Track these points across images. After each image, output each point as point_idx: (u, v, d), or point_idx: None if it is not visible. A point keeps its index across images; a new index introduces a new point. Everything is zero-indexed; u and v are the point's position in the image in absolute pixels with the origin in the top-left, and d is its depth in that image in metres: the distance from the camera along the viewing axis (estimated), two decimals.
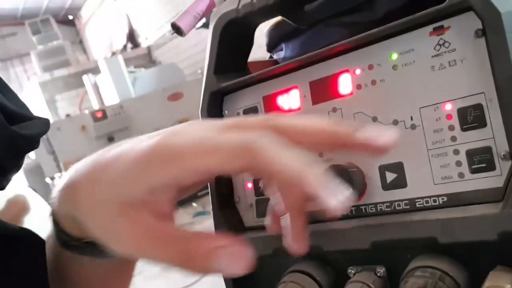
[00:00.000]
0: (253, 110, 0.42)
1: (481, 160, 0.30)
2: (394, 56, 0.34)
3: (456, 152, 0.31)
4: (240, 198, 0.42)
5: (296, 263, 0.37)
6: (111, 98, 5.12)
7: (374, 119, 0.35)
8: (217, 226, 0.42)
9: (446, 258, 0.31)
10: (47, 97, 6.20)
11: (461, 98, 0.31)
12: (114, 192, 0.27)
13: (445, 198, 0.32)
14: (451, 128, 0.32)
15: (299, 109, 0.39)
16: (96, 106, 5.44)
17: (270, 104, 0.41)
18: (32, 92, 6.29)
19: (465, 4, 0.30)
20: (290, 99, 0.40)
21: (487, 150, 0.30)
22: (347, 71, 0.36)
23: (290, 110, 0.40)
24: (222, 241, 0.25)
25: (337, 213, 0.22)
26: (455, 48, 0.31)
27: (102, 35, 7.32)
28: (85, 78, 5.64)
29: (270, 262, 0.39)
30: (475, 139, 0.31)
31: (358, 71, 0.36)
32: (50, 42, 6.53)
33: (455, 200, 0.31)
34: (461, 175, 0.31)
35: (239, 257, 0.24)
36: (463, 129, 0.31)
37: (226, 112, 0.43)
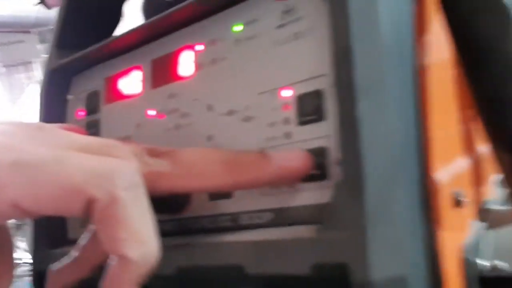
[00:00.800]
0: (94, 96, 0.34)
1: (314, 165, 0.22)
2: (238, 28, 0.26)
3: None
4: None
5: None
6: None
7: (210, 107, 0.27)
8: (35, 237, 0.33)
9: None
10: None
11: (301, 82, 0.23)
12: None
13: (272, 215, 0.23)
14: (286, 121, 0.23)
15: (139, 94, 0.31)
16: None
17: (112, 89, 0.33)
18: (32, 97, 6.30)
19: None
20: (132, 82, 0.32)
21: (320, 152, 0.22)
22: (188, 47, 0.29)
23: (130, 96, 0.32)
24: None
25: None
26: (302, 16, 0.24)
27: None
28: None
29: None
30: (311, 136, 0.23)
31: (200, 47, 0.28)
32: None
33: (282, 218, 0.23)
34: (292, 185, 0.23)
35: None
36: (301, 123, 0.23)
37: (70, 97, 0.36)
